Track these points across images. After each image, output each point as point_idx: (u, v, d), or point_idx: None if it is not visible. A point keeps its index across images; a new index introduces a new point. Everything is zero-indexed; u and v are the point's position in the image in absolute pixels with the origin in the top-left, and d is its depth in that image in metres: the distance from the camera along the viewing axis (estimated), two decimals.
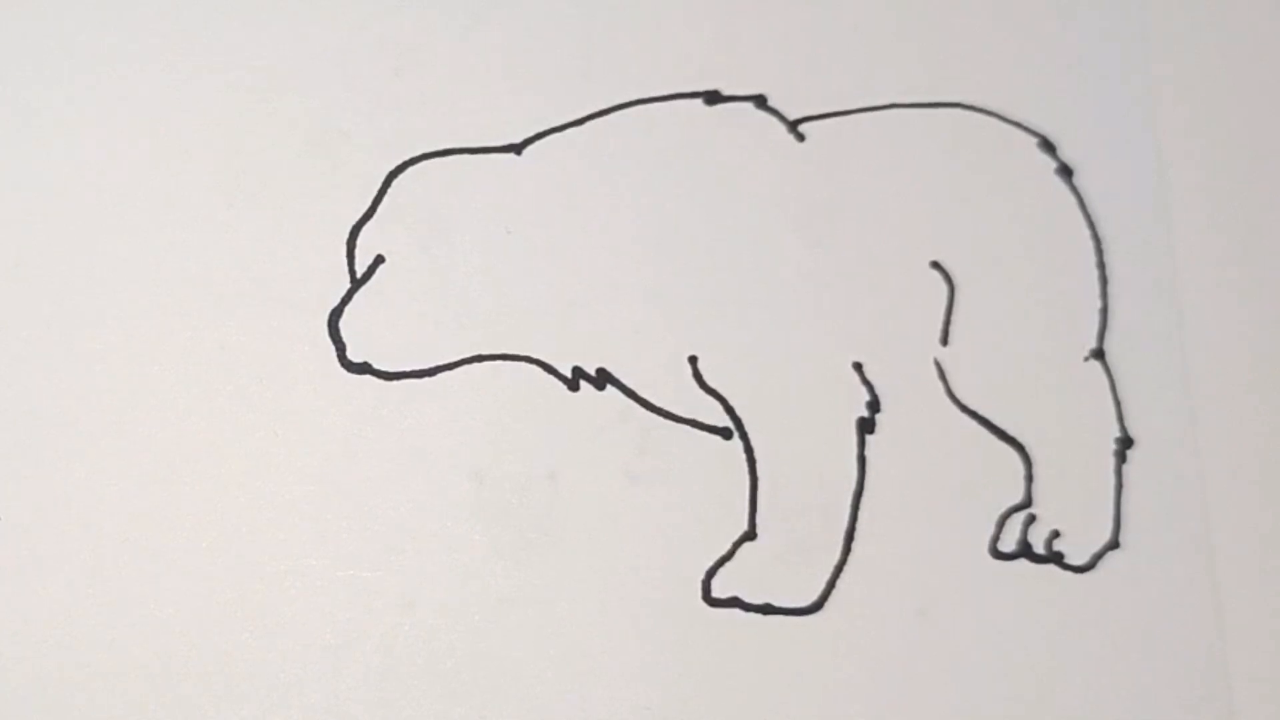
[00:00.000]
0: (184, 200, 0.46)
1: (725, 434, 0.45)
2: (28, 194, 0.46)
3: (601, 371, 0.45)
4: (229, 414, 0.44)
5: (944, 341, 0.47)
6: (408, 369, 0.45)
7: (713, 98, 0.48)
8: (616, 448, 0.45)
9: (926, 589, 0.44)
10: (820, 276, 0.47)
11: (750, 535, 0.44)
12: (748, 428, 0.45)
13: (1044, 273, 0.48)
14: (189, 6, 0.48)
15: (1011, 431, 0.46)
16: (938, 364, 0.46)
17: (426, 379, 0.45)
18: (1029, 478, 0.45)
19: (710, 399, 0.45)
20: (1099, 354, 0.47)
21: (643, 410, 0.45)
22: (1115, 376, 0.47)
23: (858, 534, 0.44)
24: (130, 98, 0.47)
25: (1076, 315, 0.47)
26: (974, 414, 0.46)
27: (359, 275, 0.46)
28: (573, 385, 0.45)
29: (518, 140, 0.47)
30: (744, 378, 0.46)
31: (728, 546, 0.44)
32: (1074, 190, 0.49)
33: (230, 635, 0.42)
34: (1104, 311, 0.47)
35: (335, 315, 0.45)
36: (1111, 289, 0.48)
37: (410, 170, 0.47)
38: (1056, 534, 0.45)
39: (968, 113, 0.49)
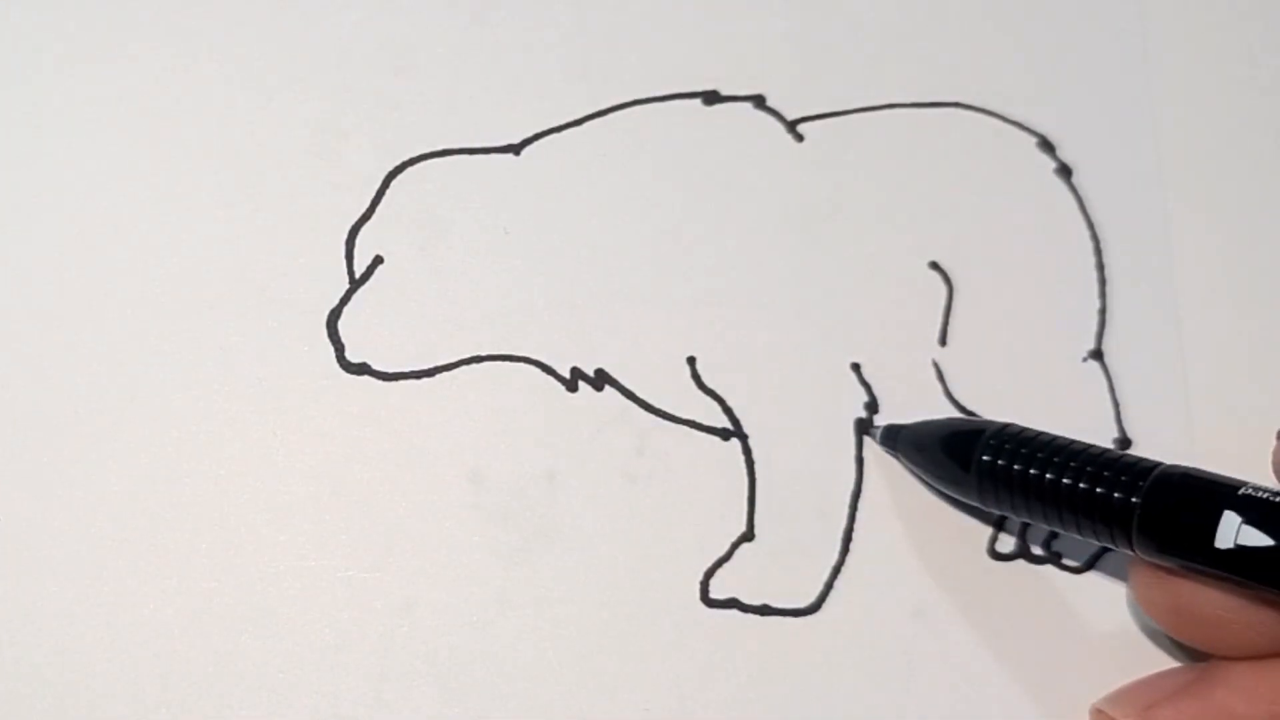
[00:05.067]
0: (181, 200, 0.46)
1: (724, 435, 0.45)
2: (26, 194, 0.46)
3: (600, 372, 0.45)
4: (226, 414, 0.44)
5: (942, 342, 0.47)
6: (406, 370, 0.45)
7: (711, 98, 0.48)
8: (615, 448, 0.45)
9: (924, 590, 0.44)
10: (819, 277, 0.47)
11: (748, 536, 0.44)
12: (746, 428, 0.45)
13: (1043, 273, 0.48)
14: (188, 6, 0.48)
15: None
16: (936, 365, 0.46)
17: (425, 379, 0.45)
18: None
19: (709, 400, 0.45)
20: (1098, 354, 0.47)
21: (641, 411, 0.45)
22: (1114, 377, 0.47)
23: (855, 535, 0.44)
24: (129, 97, 0.47)
25: (1075, 315, 0.47)
26: (972, 414, 0.46)
27: (358, 276, 0.46)
28: (571, 386, 0.45)
29: (516, 141, 0.47)
30: (743, 378, 0.46)
31: (726, 547, 0.44)
32: (1073, 190, 0.49)
33: (227, 636, 0.42)
34: (1103, 312, 0.47)
35: (334, 316, 0.45)
36: (1110, 289, 0.48)
37: (409, 170, 0.47)
38: (1055, 534, 0.45)
39: (967, 112, 0.49)
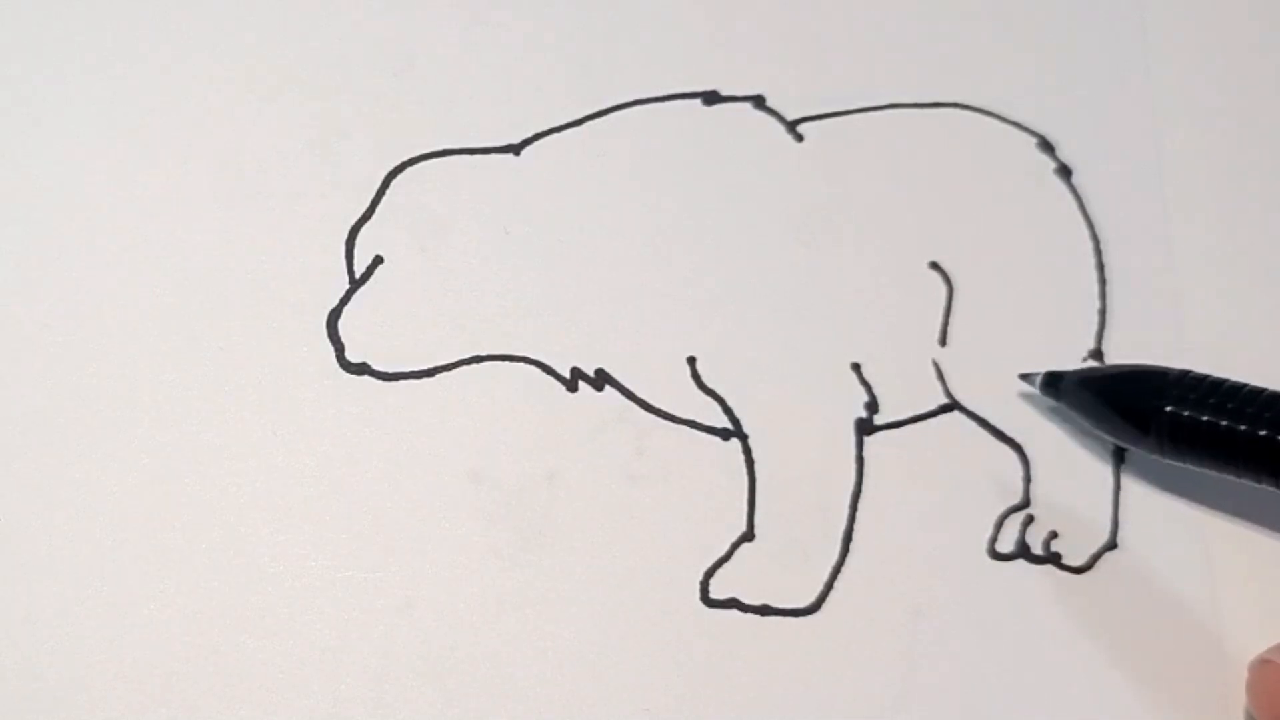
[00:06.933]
0: (182, 200, 0.46)
1: (724, 435, 0.45)
2: (26, 194, 0.46)
3: (600, 372, 0.45)
4: (227, 414, 0.44)
5: (942, 342, 0.47)
6: (406, 370, 0.45)
7: (711, 98, 0.48)
8: (615, 449, 0.45)
9: (924, 590, 0.44)
10: (819, 277, 0.47)
11: (748, 536, 0.44)
12: (746, 429, 0.45)
13: (1043, 273, 0.48)
14: (189, 7, 0.48)
15: (1010, 432, 0.46)
16: (936, 365, 0.46)
17: (425, 380, 0.45)
18: (1027, 478, 0.45)
19: (709, 400, 0.45)
20: (1097, 354, 0.47)
21: (641, 411, 0.45)
22: None
23: (855, 535, 0.44)
24: (129, 97, 0.47)
25: (1076, 315, 0.47)
26: (972, 414, 0.46)
27: (358, 276, 0.46)
28: (571, 386, 0.45)
29: (516, 141, 0.47)
30: (743, 378, 0.46)
31: (726, 547, 0.44)
32: (1073, 190, 0.49)
33: (227, 636, 0.42)
34: (1103, 312, 0.47)
35: (334, 316, 0.45)
36: (1111, 289, 0.48)
37: (409, 170, 0.47)
38: (1054, 535, 0.45)
39: (966, 113, 0.49)
